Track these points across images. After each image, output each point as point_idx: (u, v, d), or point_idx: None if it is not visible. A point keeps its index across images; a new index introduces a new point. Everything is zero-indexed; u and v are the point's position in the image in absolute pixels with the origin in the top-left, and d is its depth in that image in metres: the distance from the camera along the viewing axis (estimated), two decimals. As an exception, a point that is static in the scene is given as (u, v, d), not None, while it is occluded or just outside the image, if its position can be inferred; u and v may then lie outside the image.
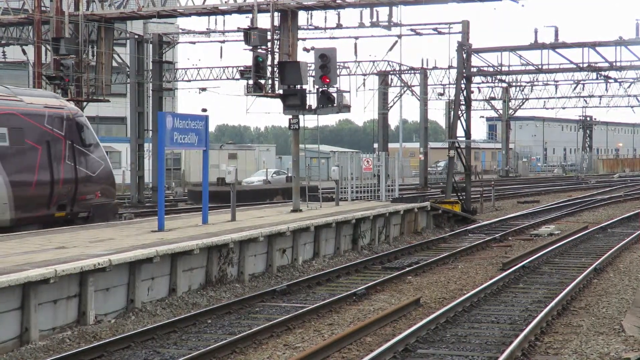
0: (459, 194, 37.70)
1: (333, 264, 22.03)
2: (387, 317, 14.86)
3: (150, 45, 43.48)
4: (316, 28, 38.96)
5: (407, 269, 20.80)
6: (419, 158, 63.23)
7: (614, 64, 38.59)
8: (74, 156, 21.87)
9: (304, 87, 24.97)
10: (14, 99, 20.57)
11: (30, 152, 20.55)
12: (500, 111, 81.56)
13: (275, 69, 29.80)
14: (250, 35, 27.89)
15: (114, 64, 40.18)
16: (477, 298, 16.64)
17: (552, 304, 15.28)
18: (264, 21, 32.74)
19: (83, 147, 22.32)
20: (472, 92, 45.27)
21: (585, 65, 38.73)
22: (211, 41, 46.11)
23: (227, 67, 57.61)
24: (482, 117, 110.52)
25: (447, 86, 65.03)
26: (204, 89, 57.75)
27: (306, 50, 41.21)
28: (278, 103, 28.61)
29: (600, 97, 79.69)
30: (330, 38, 41.68)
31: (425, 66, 61.37)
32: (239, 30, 40.29)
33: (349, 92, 27.37)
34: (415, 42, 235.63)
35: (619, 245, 24.69)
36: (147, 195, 42.64)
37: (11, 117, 20.15)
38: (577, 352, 12.55)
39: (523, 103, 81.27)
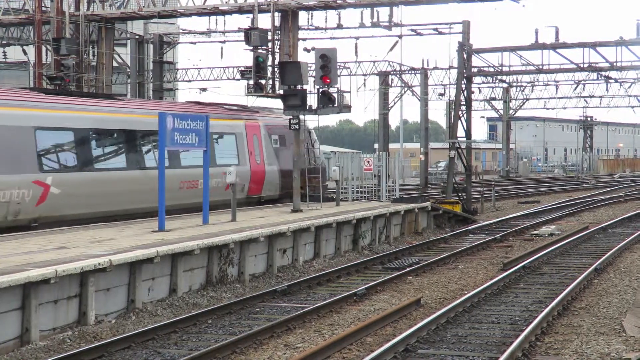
0: (460, 194, 37.69)
1: (333, 264, 22.03)
2: (388, 318, 14.86)
3: (151, 46, 43.47)
4: (317, 28, 38.94)
5: (408, 269, 20.81)
6: (419, 158, 63.19)
7: (615, 64, 38.56)
8: (308, 154, 30.49)
9: (305, 87, 24.98)
10: (280, 117, 29.73)
11: (288, 151, 29.24)
12: (501, 111, 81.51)
13: (275, 69, 29.77)
14: (251, 35, 27.86)
15: (115, 64, 40.15)
16: (478, 298, 16.64)
17: (553, 304, 15.28)
18: (264, 21, 32.73)
19: (311, 148, 31.34)
20: (473, 92, 45.23)
21: (585, 65, 38.70)
22: (212, 41, 46.10)
23: (228, 67, 57.62)
24: (483, 117, 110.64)
25: (448, 86, 64.95)
26: (204, 89, 57.73)
27: (307, 50, 41.21)
28: (279, 103, 28.65)
29: (601, 97, 79.65)
30: (331, 38, 41.66)
31: (425, 66, 61.33)
32: (239, 30, 40.29)
33: (350, 92, 27.38)
34: (416, 42, 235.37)
35: (620, 245, 24.69)
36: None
37: (280, 128, 29.87)
38: (578, 352, 12.56)
39: (524, 103, 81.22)
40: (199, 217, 21.53)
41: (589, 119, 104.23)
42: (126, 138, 23.17)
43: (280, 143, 30.00)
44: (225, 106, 29.01)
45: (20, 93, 21.27)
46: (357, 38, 44.28)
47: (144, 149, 23.71)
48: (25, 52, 42.32)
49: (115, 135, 23.02)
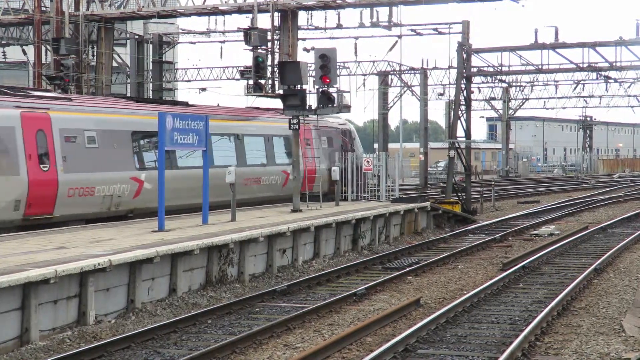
0: (459, 194, 37.70)
1: (333, 264, 22.03)
2: (387, 317, 14.86)
3: (151, 46, 43.47)
4: (316, 28, 38.97)
5: (407, 269, 20.80)
6: (419, 158, 63.19)
7: (614, 64, 38.56)
8: (354, 152, 33.52)
9: (304, 87, 24.96)
10: (329, 120, 33.35)
11: (334, 151, 32.60)
12: (501, 111, 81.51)
13: (275, 69, 29.79)
14: (251, 35, 27.89)
15: (114, 64, 40.16)
16: (477, 298, 16.64)
17: (552, 304, 15.28)
18: (264, 21, 32.77)
19: (352, 147, 34.51)
20: (472, 92, 45.21)
21: (585, 65, 38.69)
22: (211, 41, 46.13)
23: (227, 67, 57.60)
24: (482, 117, 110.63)
25: (447, 86, 65.01)
26: (204, 89, 57.71)
27: (306, 50, 41.24)
28: (278, 103, 28.65)
29: (601, 97, 79.65)
30: (331, 38, 41.69)
31: (425, 66, 61.35)
32: (239, 30, 40.31)
33: (349, 92, 27.44)
34: (416, 42, 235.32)
35: (619, 245, 24.69)
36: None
37: (328, 131, 33.30)
38: (578, 352, 12.56)
39: (523, 103, 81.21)
40: (199, 217, 21.53)
41: (588, 118, 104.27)
42: None
43: (328, 144, 33.32)
44: (280, 111, 29.68)
45: (118, 102, 25.11)
46: (356, 38, 44.33)
47: (215, 149, 26.31)
48: (24, 52, 42.32)
49: None
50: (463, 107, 38.21)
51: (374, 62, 59.17)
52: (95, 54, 36.52)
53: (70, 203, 21.25)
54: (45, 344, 13.04)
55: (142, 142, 24.26)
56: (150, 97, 33.58)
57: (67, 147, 21.42)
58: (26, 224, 20.18)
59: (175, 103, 29.56)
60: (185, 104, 28.55)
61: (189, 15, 35.78)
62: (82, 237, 17.90)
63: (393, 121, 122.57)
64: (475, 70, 40.51)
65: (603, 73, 49.84)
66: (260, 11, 31.54)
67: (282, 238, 20.52)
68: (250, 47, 28.04)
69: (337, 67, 31.40)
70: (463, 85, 38.16)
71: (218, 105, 32.72)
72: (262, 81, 28.20)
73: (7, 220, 19.73)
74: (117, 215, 22.77)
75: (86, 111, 22.68)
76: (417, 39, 47.38)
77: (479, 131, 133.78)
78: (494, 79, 66.34)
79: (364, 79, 59.45)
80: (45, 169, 20.65)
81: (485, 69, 41.34)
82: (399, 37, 41.92)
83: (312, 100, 25.39)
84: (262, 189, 29.02)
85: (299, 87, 24.74)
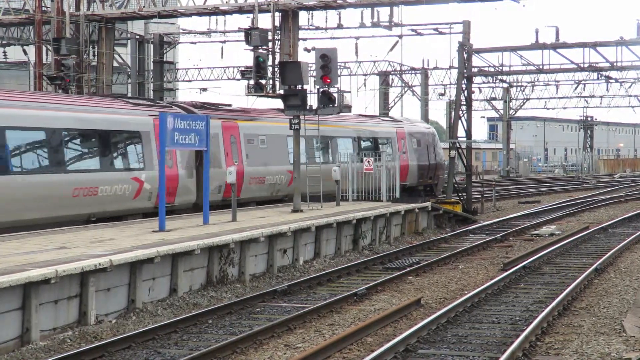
0: (460, 194, 37.69)
1: (334, 264, 22.03)
2: (388, 317, 14.86)
3: (151, 46, 43.46)
4: (317, 28, 38.97)
5: (408, 269, 20.80)
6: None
7: (615, 64, 38.56)
8: (435, 152, 41.34)
9: (305, 87, 24.93)
10: (417, 124, 42.08)
11: (423, 150, 40.12)
12: (501, 111, 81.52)
13: (276, 69, 29.78)
14: (251, 35, 27.85)
15: (115, 64, 40.16)
16: (478, 298, 16.64)
17: (553, 304, 15.28)
18: (264, 21, 32.77)
19: (436, 148, 41.68)
20: (473, 92, 45.21)
21: (586, 65, 38.70)
22: (212, 41, 46.18)
23: (228, 67, 57.70)
24: (483, 117, 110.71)
25: (448, 86, 65.02)
26: (204, 89, 57.79)
27: (307, 50, 41.23)
28: (279, 103, 28.65)
29: (601, 97, 79.68)
30: (331, 38, 41.73)
31: (426, 66, 61.38)
32: (239, 30, 40.32)
33: (350, 92, 27.38)
34: (416, 42, 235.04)
35: (620, 245, 24.69)
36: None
37: (417, 133, 40.33)
38: (578, 353, 12.56)
39: (524, 103, 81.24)
40: (200, 217, 21.52)
41: (589, 118, 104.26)
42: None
43: (417, 144, 39.92)
44: (381, 117, 39.01)
45: (279, 114, 29.59)
46: (357, 38, 44.38)
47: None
48: (25, 52, 42.33)
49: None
50: (464, 107, 38.22)
51: (374, 62, 59.22)
52: (96, 54, 36.50)
53: (250, 189, 27.86)
54: (46, 344, 13.04)
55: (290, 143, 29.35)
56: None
57: (249, 147, 27.98)
58: (224, 204, 25.70)
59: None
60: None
61: (190, 15, 35.76)
62: (82, 237, 17.90)
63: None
64: (476, 70, 40.52)
65: (604, 73, 49.85)
66: (261, 11, 31.53)
67: (282, 238, 20.52)
68: (251, 47, 28.00)
69: (338, 67, 31.33)
70: (464, 85, 38.16)
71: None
72: (263, 81, 28.18)
73: (213, 202, 23.92)
74: (276, 198, 29.25)
75: (259, 120, 29.29)
76: (418, 39, 47.44)
77: (480, 131, 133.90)
78: (494, 79, 66.34)
79: (365, 79, 59.52)
80: (235, 163, 26.60)
81: (486, 69, 41.34)
82: (400, 37, 41.94)
83: (312, 100, 25.39)
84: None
85: (299, 87, 24.72)
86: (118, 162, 22.65)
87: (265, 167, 28.59)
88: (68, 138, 21.17)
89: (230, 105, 30.61)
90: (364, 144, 35.10)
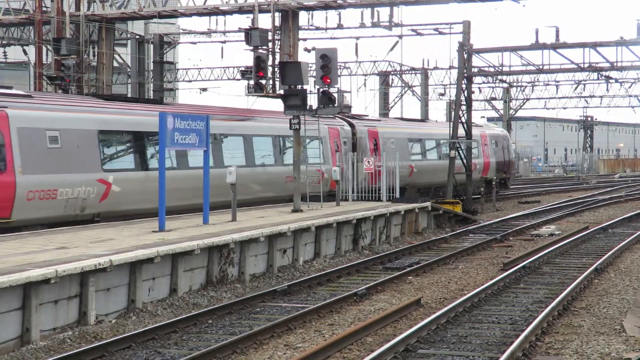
0: (460, 194, 37.68)
1: (334, 264, 22.03)
2: (388, 317, 14.87)
3: (151, 46, 43.51)
4: (317, 28, 38.99)
5: (408, 269, 20.81)
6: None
7: (615, 64, 38.55)
8: (508, 151, 49.63)
9: (305, 87, 24.93)
10: (494, 128, 51.43)
11: (499, 149, 48.45)
12: (501, 111, 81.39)
13: (276, 69, 29.79)
14: (251, 35, 27.86)
15: (115, 64, 40.20)
16: (478, 298, 16.64)
17: (553, 304, 15.28)
18: (264, 21, 32.78)
19: (509, 148, 49.93)
20: (473, 92, 45.21)
21: (586, 65, 38.69)
22: (212, 41, 46.15)
23: (228, 67, 57.65)
24: (483, 117, 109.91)
25: (448, 86, 64.98)
26: (205, 89, 57.75)
27: (307, 50, 41.25)
28: (279, 103, 28.66)
29: (601, 97, 79.60)
30: (331, 38, 41.72)
31: (426, 66, 61.36)
32: (239, 30, 40.32)
33: (350, 92, 27.46)
34: (416, 42, 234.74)
35: (620, 245, 24.69)
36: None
37: (495, 135, 48.61)
38: (578, 352, 12.56)
39: (524, 103, 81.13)
40: (200, 217, 21.51)
41: (589, 119, 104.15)
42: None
43: (495, 145, 47.76)
44: (474, 123, 43.80)
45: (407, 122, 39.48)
46: (357, 38, 44.38)
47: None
48: (25, 52, 42.37)
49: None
50: (464, 107, 38.23)
51: (374, 62, 59.19)
52: (96, 54, 36.54)
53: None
54: (46, 344, 13.04)
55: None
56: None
57: (385, 146, 35.22)
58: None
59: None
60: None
61: (190, 15, 35.80)
62: (82, 237, 17.90)
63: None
64: (476, 70, 40.52)
65: (604, 73, 49.82)
66: (261, 11, 31.55)
67: (282, 238, 20.52)
68: (251, 47, 28.01)
69: (338, 67, 31.39)
70: (464, 85, 38.17)
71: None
72: (263, 81, 28.19)
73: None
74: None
75: (391, 126, 37.81)
76: (418, 39, 47.32)
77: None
78: (494, 79, 66.28)
79: (365, 79, 59.48)
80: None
81: (486, 69, 41.34)
82: (400, 37, 41.96)
83: (312, 101, 25.40)
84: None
85: (299, 87, 24.72)
86: (311, 159, 29.99)
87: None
88: (284, 142, 29.69)
89: (367, 115, 39.74)
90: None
